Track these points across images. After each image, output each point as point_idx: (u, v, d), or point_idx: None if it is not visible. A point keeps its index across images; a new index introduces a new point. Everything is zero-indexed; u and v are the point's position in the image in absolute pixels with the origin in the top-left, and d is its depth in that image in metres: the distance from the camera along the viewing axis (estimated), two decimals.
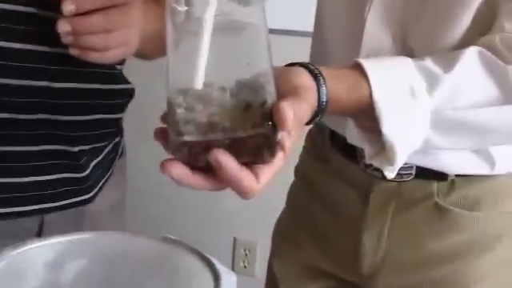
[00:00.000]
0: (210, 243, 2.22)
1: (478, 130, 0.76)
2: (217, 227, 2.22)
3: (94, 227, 0.96)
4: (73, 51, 0.78)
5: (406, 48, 0.84)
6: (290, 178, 1.13)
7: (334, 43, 0.95)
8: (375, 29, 0.86)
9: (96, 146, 0.99)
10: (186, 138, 0.55)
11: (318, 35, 1.00)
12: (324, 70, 0.67)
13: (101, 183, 1.02)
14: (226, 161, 0.55)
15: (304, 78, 0.65)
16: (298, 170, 1.12)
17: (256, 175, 0.58)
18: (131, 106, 1.05)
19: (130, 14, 0.79)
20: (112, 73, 0.98)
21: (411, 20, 0.84)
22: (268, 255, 1.15)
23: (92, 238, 0.69)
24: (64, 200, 0.95)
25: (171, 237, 0.71)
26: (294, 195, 1.13)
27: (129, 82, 1.03)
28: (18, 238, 0.67)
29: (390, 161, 0.72)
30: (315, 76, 0.66)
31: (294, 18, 1.52)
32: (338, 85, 0.68)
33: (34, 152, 0.89)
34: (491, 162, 0.89)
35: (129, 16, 0.78)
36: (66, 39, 0.77)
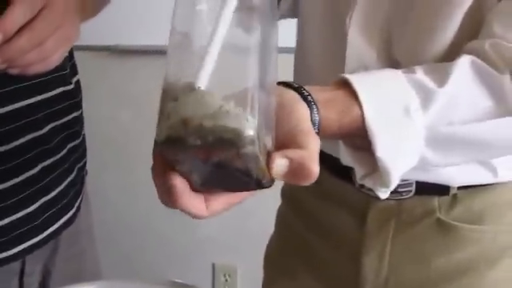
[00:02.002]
0: (188, 271, 2.19)
1: (475, 144, 0.71)
2: (194, 254, 2.17)
3: (69, 247, 1.00)
4: (13, 71, 0.76)
5: (391, 60, 0.80)
6: (274, 200, 1.08)
7: (317, 59, 0.90)
8: (358, 43, 0.81)
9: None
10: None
11: (300, 51, 0.96)
12: (316, 94, 0.62)
13: (77, 203, 1.03)
14: (180, 185, 0.51)
15: (300, 111, 0.60)
16: (284, 192, 1.07)
17: (207, 202, 0.54)
18: (97, 135, 1.03)
19: (55, 14, 0.76)
20: (58, 76, 0.98)
21: (395, 31, 0.79)
22: (249, 278, 1.09)
23: None
24: (48, 228, 0.96)
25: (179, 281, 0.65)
26: (283, 219, 1.08)
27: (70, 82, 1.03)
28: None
29: (384, 183, 0.67)
30: (308, 103, 0.61)
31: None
32: (328, 112, 0.63)
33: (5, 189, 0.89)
34: (493, 169, 0.85)
35: (54, 18, 0.76)
36: (1, 67, 0.75)
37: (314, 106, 0.60)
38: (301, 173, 0.53)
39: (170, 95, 0.51)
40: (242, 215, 2.06)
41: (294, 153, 0.53)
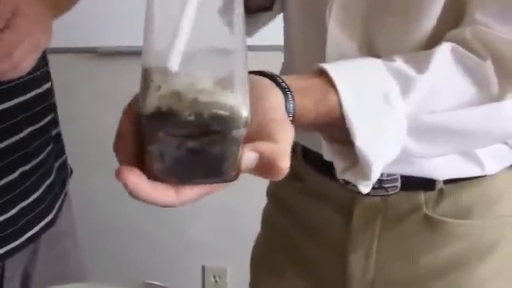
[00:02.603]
0: (178, 273, 2.17)
1: (459, 133, 0.69)
2: (183, 256, 2.15)
3: (50, 250, 0.99)
4: None
5: (372, 52, 0.78)
6: (259, 199, 1.06)
7: (300, 54, 0.89)
8: (338, 35, 0.79)
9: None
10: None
11: (287, 47, 0.94)
12: (291, 82, 0.60)
13: (57, 204, 1.02)
14: (134, 180, 0.49)
15: (274, 98, 0.58)
16: (269, 191, 1.05)
17: (177, 189, 0.51)
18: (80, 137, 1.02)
19: (24, 23, 0.76)
20: (32, 78, 0.98)
21: (376, 22, 0.78)
22: (239, 280, 1.08)
23: None
24: (28, 232, 0.94)
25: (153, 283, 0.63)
26: (268, 218, 1.06)
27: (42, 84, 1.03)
28: None
29: (365, 176, 0.65)
30: (283, 90, 0.59)
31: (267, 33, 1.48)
32: (305, 99, 0.61)
33: None
34: (479, 162, 0.83)
35: (24, 26, 0.76)
36: None
37: (289, 93, 0.59)
38: (270, 169, 0.51)
39: (158, 68, 0.48)
40: (229, 216, 2.05)
41: (264, 146, 0.51)
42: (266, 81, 0.59)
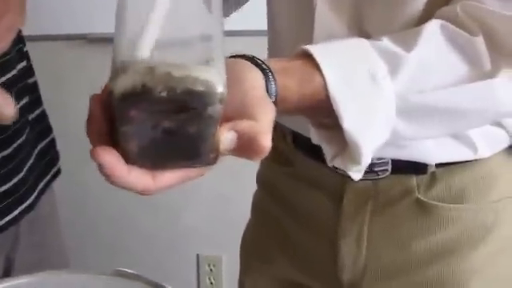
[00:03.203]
0: (172, 263, 2.15)
1: (450, 113, 0.67)
2: (177, 245, 2.13)
3: (30, 235, 0.98)
4: None
5: (362, 32, 0.75)
6: (248, 186, 1.05)
7: (286, 36, 0.86)
8: (326, 15, 0.77)
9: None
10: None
11: (271, 31, 0.91)
12: (272, 64, 0.58)
13: (39, 187, 1.01)
14: (110, 160, 0.47)
15: (253, 78, 0.55)
16: (259, 177, 1.03)
17: (153, 175, 0.49)
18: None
19: None
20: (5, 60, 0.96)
21: (365, 2, 0.75)
22: (234, 268, 1.06)
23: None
24: (9, 215, 0.94)
25: (125, 270, 0.62)
26: (259, 205, 1.04)
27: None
28: None
29: (355, 160, 0.62)
30: (263, 71, 0.57)
31: (247, 17, 1.46)
32: (287, 80, 0.58)
33: None
34: (472, 146, 0.81)
35: None
36: None
37: (269, 73, 0.56)
38: (250, 148, 0.49)
39: (130, 46, 0.47)
40: (223, 204, 2.03)
41: (243, 125, 0.49)
42: (245, 62, 0.57)
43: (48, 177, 1.05)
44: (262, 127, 0.50)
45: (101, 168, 0.47)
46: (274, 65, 0.57)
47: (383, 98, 0.62)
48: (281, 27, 0.87)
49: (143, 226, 2.12)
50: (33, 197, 1.00)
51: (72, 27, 2.00)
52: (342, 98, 0.60)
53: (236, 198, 1.96)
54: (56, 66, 2.01)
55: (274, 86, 0.56)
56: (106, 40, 1.97)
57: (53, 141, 1.09)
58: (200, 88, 0.45)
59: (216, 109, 0.46)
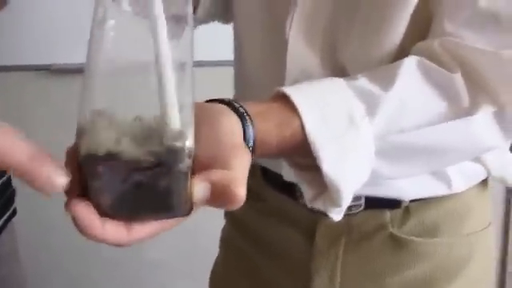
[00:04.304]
0: None
1: (430, 151, 0.66)
2: (144, 278, 2.09)
3: None
4: None
5: (336, 65, 0.74)
6: (218, 216, 1.02)
7: (256, 69, 0.84)
8: (299, 48, 0.75)
9: None
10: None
11: (239, 63, 0.89)
12: (250, 108, 0.56)
13: None
14: (84, 213, 0.45)
15: (227, 123, 0.53)
16: (227, 212, 1.01)
17: (127, 228, 0.47)
18: None
19: None
20: None
21: (339, 34, 0.74)
22: None
23: None
24: None
25: None
26: (228, 240, 1.01)
27: None
28: None
29: (335, 202, 0.61)
30: (240, 116, 0.55)
31: (212, 48, 1.43)
32: (265, 124, 0.57)
33: None
34: (447, 181, 0.80)
35: None
36: None
37: (247, 117, 0.54)
38: (225, 198, 0.47)
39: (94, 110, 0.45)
40: (192, 235, 2.00)
41: (216, 175, 0.47)
42: (221, 107, 0.55)
43: (5, 216, 1.01)
44: (237, 176, 0.47)
45: (75, 220, 0.45)
46: (252, 108, 0.56)
47: (362, 139, 0.60)
48: (250, 59, 0.85)
49: (109, 256, 2.08)
50: None
51: (35, 58, 1.97)
52: (321, 141, 0.58)
53: (204, 228, 1.93)
54: (18, 97, 1.97)
55: (251, 130, 0.54)
56: (69, 71, 1.95)
57: (9, 179, 1.05)
58: (168, 146, 0.44)
59: (185, 164, 0.45)
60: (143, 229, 0.48)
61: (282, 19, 0.76)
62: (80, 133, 0.45)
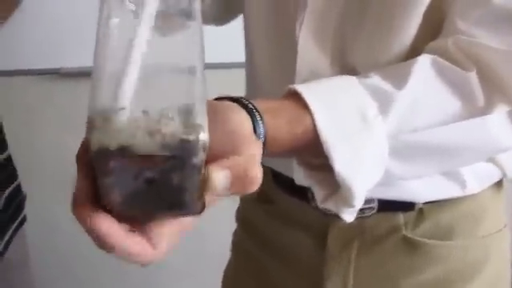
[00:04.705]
0: None
1: (444, 151, 0.64)
2: (153, 283, 2.08)
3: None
4: None
5: (347, 66, 0.73)
6: (226, 220, 1.02)
7: (266, 71, 0.83)
8: (309, 49, 0.74)
9: None
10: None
11: (250, 64, 0.88)
12: (259, 104, 0.55)
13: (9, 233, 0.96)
14: (107, 226, 0.45)
15: (237, 119, 0.52)
16: (238, 215, 1.00)
17: (149, 240, 0.47)
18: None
19: None
20: None
21: (350, 34, 0.72)
22: None
23: None
24: None
25: None
26: (239, 244, 1.00)
27: None
28: None
29: (348, 203, 0.60)
30: (250, 112, 0.54)
31: (224, 50, 1.42)
32: (276, 120, 0.56)
33: None
34: (461, 182, 0.78)
35: None
36: None
37: (257, 114, 0.53)
38: (243, 181, 0.46)
39: (109, 94, 0.44)
40: (199, 238, 1.99)
41: (229, 162, 0.46)
42: (230, 104, 0.54)
43: (16, 223, 1.01)
44: (248, 159, 0.47)
45: (96, 236, 0.45)
46: (262, 105, 0.55)
47: (375, 138, 0.59)
48: (261, 60, 0.84)
49: (117, 262, 2.07)
50: (1, 245, 0.95)
51: (44, 61, 1.96)
52: (333, 139, 0.57)
53: (211, 232, 1.92)
54: (27, 101, 1.97)
55: (261, 126, 0.53)
56: (78, 74, 1.94)
57: (19, 186, 1.04)
58: (182, 139, 0.43)
59: (200, 157, 0.44)
60: (166, 234, 0.47)
61: (292, 20, 0.75)
62: (91, 126, 0.44)
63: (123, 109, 0.44)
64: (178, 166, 0.44)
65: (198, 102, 0.45)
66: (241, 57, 0.90)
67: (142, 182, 0.44)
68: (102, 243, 0.45)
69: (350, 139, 0.58)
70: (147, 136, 0.43)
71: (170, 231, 0.48)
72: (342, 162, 0.57)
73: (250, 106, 0.54)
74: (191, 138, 0.43)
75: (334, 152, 0.57)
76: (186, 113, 0.44)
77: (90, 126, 0.44)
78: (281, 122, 0.56)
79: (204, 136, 0.43)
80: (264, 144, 0.54)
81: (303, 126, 0.57)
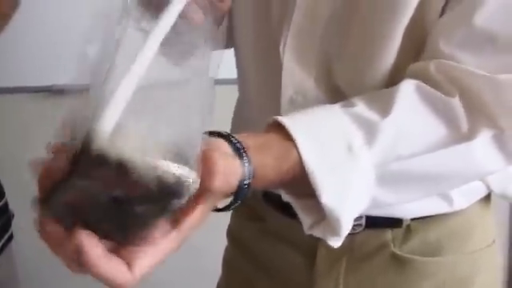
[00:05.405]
0: None
1: (430, 178, 0.65)
2: None
3: None
4: None
5: (331, 86, 0.74)
6: (220, 236, 1.01)
7: (255, 89, 0.84)
8: (294, 70, 0.75)
9: None
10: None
11: (241, 82, 0.89)
12: (247, 141, 0.56)
13: None
14: (89, 246, 0.45)
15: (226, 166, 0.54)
16: (229, 233, 1.00)
17: (129, 264, 0.47)
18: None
19: None
20: None
21: (333, 55, 0.73)
22: None
23: None
24: None
25: None
26: (230, 262, 1.00)
27: None
28: None
29: (335, 231, 0.60)
30: (238, 151, 0.55)
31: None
32: (263, 158, 0.57)
33: None
34: (448, 198, 0.78)
35: None
36: None
37: (244, 154, 0.54)
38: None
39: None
40: (194, 254, 1.98)
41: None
42: (219, 145, 0.54)
43: (3, 240, 1.00)
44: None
45: (79, 252, 0.46)
46: (249, 142, 0.56)
47: (361, 169, 0.60)
48: (248, 80, 0.85)
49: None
50: None
51: (36, 79, 1.97)
52: (319, 172, 0.58)
53: (205, 248, 1.92)
54: (18, 120, 1.97)
55: (248, 168, 0.55)
56: (70, 92, 1.94)
57: (6, 204, 1.04)
58: (178, 181, 0.44)
59: (181, 201, 0.45)
60: (145, 264, 0.48)
61: (277, 42, 0.75)
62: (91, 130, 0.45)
63: (127, 126, 0.44)
64: (155, 201, 0.44)
65: (195, 149, 0.46)
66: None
67: (110, 199, 0.45)
68: (77, 260, 0.46)
69: (337, 170, 0.59)
70: (150, 163, 0.43)
71: (153, 257, 0.48)
72: (328, 194, 0.58)
73: (238, 145, 0.55)
74: (186, 183, 0.44)
75: (320, 184, 0.58)
76: (185, 157, 0.44)
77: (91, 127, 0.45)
78: (268, 159, 0.57)
79: (195, 185, 0.45)
80: (250, 183, 0.55)
81: (290, 162, 0.58)
